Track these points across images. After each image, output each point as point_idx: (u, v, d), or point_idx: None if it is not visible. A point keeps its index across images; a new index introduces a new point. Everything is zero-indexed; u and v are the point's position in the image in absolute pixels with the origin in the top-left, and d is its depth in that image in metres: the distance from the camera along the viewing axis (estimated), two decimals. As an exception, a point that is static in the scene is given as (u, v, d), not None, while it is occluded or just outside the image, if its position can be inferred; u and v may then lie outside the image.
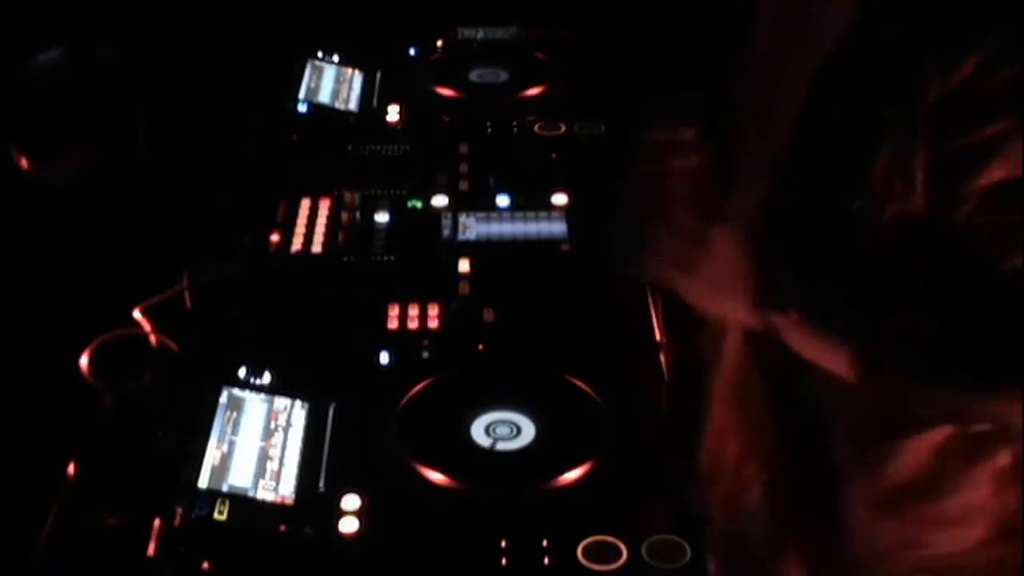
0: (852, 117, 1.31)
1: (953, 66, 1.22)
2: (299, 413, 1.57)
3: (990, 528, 1.46)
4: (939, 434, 1.43)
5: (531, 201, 2.02)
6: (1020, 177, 1.23)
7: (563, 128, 2.27)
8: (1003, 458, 1.43)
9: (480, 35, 2.62)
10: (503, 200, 2.03)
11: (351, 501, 1.45)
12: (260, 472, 1.48)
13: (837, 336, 1.37)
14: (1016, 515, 1.45)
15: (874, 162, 1.29)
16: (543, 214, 1.98)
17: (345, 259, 1.90)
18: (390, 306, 1.79)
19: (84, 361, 1.77)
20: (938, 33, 1.24)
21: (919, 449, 1.44)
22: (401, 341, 1.73)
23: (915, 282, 1.34)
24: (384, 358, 1.70)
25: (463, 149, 2.20)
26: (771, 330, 1.38)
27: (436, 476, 1.47)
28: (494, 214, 1.99)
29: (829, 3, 1.35)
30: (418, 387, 1.61)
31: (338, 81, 2.40)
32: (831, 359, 1.38)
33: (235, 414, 1.55)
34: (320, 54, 2.45)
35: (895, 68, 1.27)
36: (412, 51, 2.57)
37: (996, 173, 1.24)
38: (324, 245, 1.92)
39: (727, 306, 1.44)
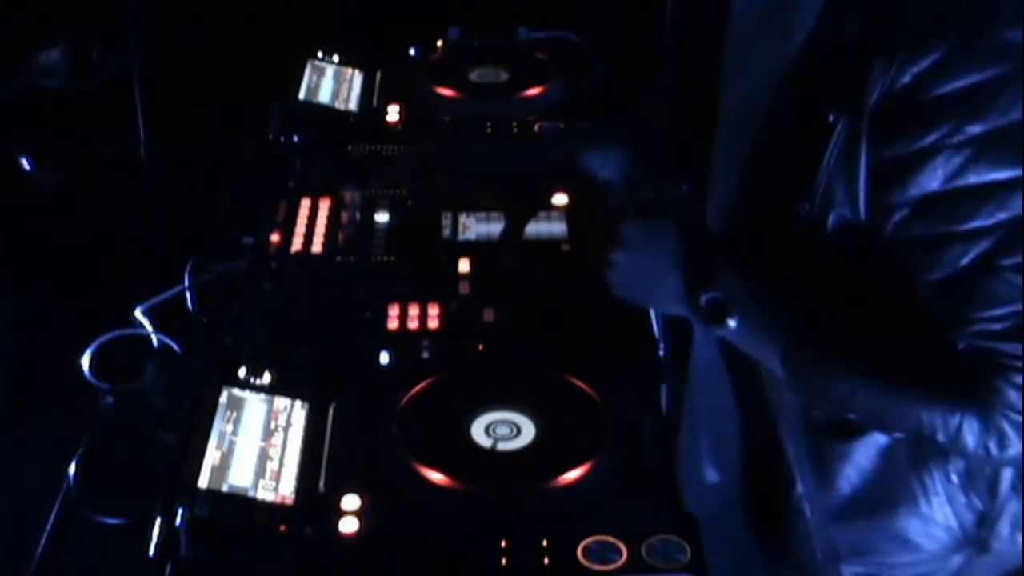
0: (803, 120, 1.31)
1: (898, 71, 1.23)
2: (299, 413, 1.57)
3: (947, 541, 1.46)
4: (883, 440, 1.43)
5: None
6: (950, 189, 1.24)
7: (563, 128, 2.27)
8: (955, 468, 1.43)
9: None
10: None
11: (351, 501, 1.45)
12: (260, 472, 1.48)
13: (772, 323, 1.37)
14: (972, 526, 1.45)
15: (818, 167, 1.30)
16: (543, 214, 1.97)
17: (345, 259, 1.90)
18: (390, 306, 1.79)
19: (84, 361, 1.78)
20: (888, 38, 1.24)
21: (866, 455, 1.44)
22: (401, 341, 1.73)
23: (849, 289, 1.34)
24: (384, 358, 1.70)
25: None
26: (701, 318, 1.38)
27: (436, 476, 1.47)
28: (494, 214, 1.99)
29: (797, 4, 1.35)
30: (418, 387, 1.61)
31: (338, 81, 2.40)
32: (760, 345, 1.38)
33: (235, 414, 1.55)
34: (320, 54, 2.45)
35: (844, 72, 1.27)
36: (412, 51, 2.56)
37: (929, 183, 1.24)
38: (324, 245, 1.92)
39: (655, 300, 1.45)
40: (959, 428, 1.26)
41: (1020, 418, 1.24)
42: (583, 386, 1.61)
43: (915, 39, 1.23)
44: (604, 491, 1.47)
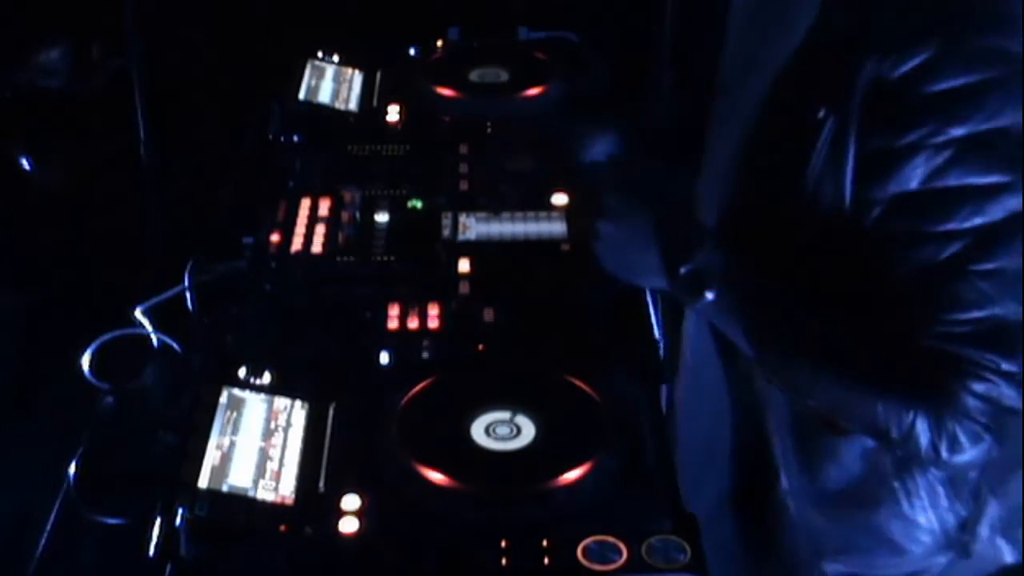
0: (795, 118, 1.32)
1: (888, 68, 1.23)
2: (299, 413, 1.57)
3: (930, 543, 1.46)
4: (868, 441, 1.43)
5: (531, 201, 2.02)
6: (928, 189, 1.24)
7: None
8: (938, 473, 1.43)
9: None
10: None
11: (351, 501, 1.45)
12: (260, 472, 1.48)
13: (744, 300, 1.38)
14: (954, 530, 1.45)
15: (807, 164, 1.30)
16: (543, 214, 1.97)
17: (345, 259, 1.90)
18: (390, 306, 1.79)
19: (85, 361, 1.78)
20: (879, 37, 1.25)
21: (850, 454, 1.44)
22: (401, 341, 1.73)
23: (827, 280, 1.35)
24: (384, 358, 1.70)
25: (463, 149, 2.20)
26: (679, 290, 1.38)
27: (436, 476, 1.47)
28: (494, 214, 1.99)
29: (794, 6, 1.35)
30: (418, 387, 1.61)
31: (338, 81, 2.40)
32: (733, 322, 1.39)
33: (235, 414, 1.55)
34: (320, 54, 2.45)
35: (834, 69, 1.27)
36: (412, 51, 2.56)
37: (909, 181, 1.24)
38: (324, 245, 1.92)
39: (639, 273, 1.46)
40: (912, 426, 1.26)
41: (973, 425, 1.24)
42: (583, 386, 1.61)
43: (906, 38, 1.23)
44: (604, 491, 1.47)
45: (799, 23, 1.33)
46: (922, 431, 1.26)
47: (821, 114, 1.28)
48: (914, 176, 1.24)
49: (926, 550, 1.47)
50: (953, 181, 1.23)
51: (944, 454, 1.26)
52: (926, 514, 1.44)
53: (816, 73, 1.30)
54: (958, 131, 1.22)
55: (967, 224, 1.23)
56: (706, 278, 1.37)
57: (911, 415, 1.26)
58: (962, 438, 1.25)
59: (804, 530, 1.50)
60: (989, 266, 1.23)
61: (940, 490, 1.43)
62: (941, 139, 1.22)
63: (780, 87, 1.35)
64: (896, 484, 1.43)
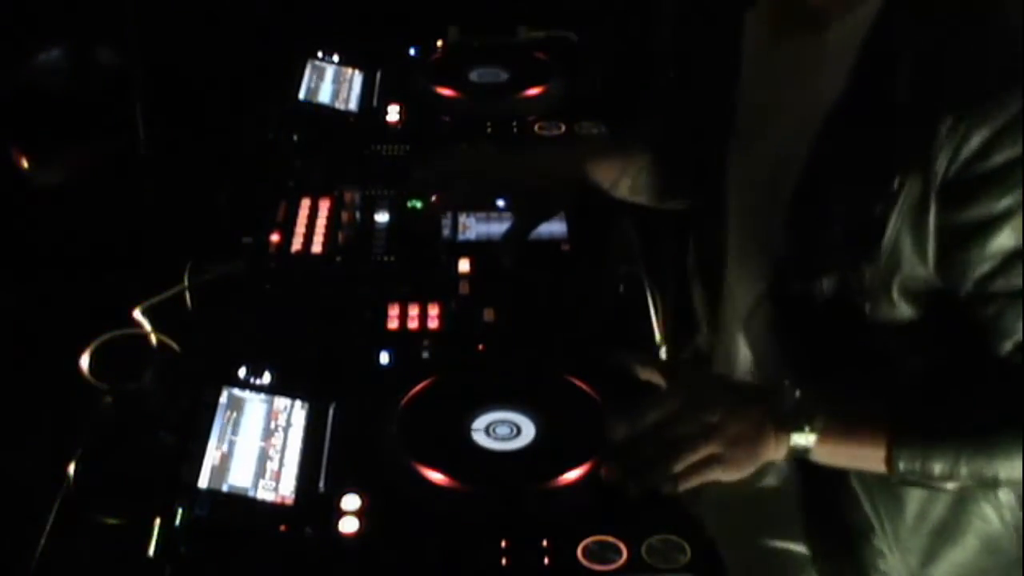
0: (858, 181, 1.31)
1: (966, 135, 1.23)
2: (299, 413, 1.57)
3: (1007, 561, 1.47)
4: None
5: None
6: None
7: (563, 128, 2.27)
8: (1004, 494, 1.44)
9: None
10: (503, 200, 2.02)
11: (351, 501, 1.45)
12: (260, 472, 1.48)
13: (870, 416, 1.34)
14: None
15: (885, 228, 1.30)
16: (543, 214, 1.97)
17: (345, 259, 1.90)
18: (390, 306, 1.79)
19: (84, 361, 1.77)
20: (951, 100, 1.25)
21: (936, 499, 1.45)
22: (401, 341, 1.73)
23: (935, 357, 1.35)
24: (384, 358, 1.70)
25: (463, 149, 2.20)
26: (799, 454, 1.35)
27: (436, 476, 1.47)
28: (494, 214, 1.99)
29: (821, 61, 1.35)
30: (418, 387, 1.61)
31: (338, 81, 2.40)
32: (866, 452, 1.35)
33: (235, 414, 1.55)
34: (320, 54, 2.45)
35: (901, 134, 1.27)
36: (412, 51, 2.56)
37: (1008, 241, 1.25)
38: (324, 245, 1.92)
39: (758, 461, 1.37)
40: None
41: None
42: (583, 386, 1.61)
43: (979, 101, 1.23)
44: (604, 491, 1.47)
45: (832, 78, 1.33)
46: None
47: (896, 182, 1.28)
48: (1013, 236, 1.25)
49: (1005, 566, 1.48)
50: None
51: None
52: (1009, 529, 1.45)
53: (875, 135, 1.30)
54: None
55: None
56: (816, 427, 1.34)
57: None
58: None
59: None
60: None
61: (1011, 514, 1.44)
62: None
63: (830, 146, 1.35)
64: (973, 517, 1.44)
